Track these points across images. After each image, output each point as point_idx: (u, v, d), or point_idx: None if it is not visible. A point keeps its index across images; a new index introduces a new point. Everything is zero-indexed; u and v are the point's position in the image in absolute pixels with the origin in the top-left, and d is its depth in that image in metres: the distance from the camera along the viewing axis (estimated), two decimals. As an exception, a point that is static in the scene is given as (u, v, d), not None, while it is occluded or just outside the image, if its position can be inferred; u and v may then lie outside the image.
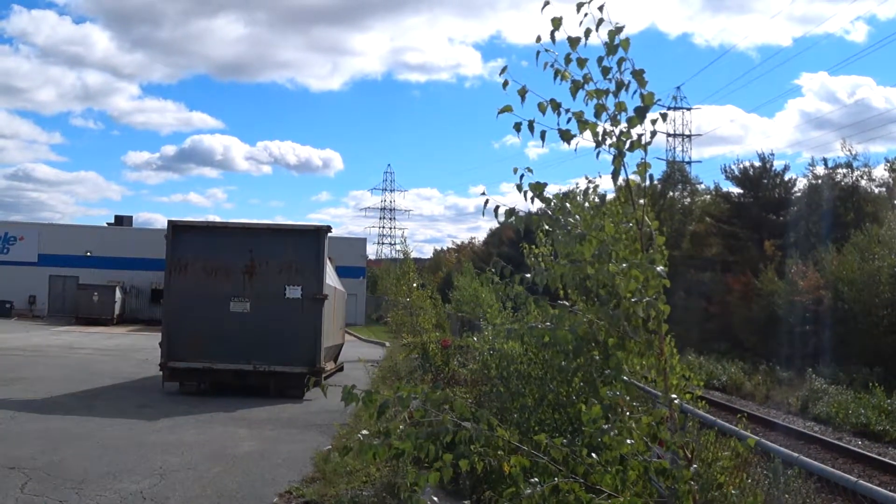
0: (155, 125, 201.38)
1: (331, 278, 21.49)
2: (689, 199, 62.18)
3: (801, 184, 53.90)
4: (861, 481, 4.23)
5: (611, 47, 4.53)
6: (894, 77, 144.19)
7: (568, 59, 4.61)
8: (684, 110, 77.52)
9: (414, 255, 39.49)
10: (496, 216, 4.80)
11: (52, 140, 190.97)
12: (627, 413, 4.90)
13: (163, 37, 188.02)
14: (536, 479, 4.42)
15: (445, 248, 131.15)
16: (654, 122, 4.71)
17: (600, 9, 4.45)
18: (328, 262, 20.68)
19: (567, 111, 4.65)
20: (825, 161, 51.92)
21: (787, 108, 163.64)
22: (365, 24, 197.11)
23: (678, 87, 78.35)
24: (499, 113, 4.60)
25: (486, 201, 4.76)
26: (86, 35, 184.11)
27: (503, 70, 4.59)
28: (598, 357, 4.93)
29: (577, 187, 7.08)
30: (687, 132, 79.02)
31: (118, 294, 48.53)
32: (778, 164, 54.87)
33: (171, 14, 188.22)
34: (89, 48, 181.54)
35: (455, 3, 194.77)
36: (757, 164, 54.41)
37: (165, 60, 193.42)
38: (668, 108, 74.98)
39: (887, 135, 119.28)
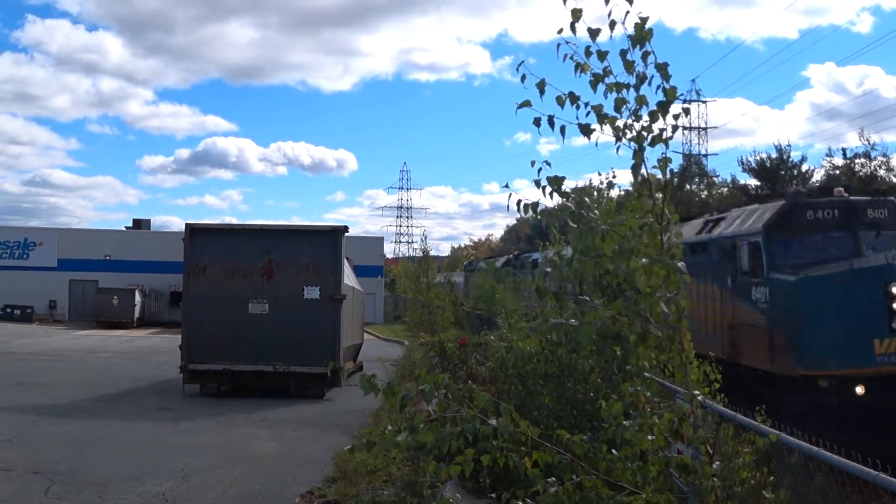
0: (169, 129, 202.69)
1: (349, 278, 21.50)
2: (706, 192, 61.92)
3: (819, 174, 53.65)
4: (882, 474, 4.17)
5: (637, 38, 4.48)
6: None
7: (588, 52, 4.57)
8: (699, 103, 77.22)
9: (431, 253, 39.42)
10: (518, 210, 4.76)
11: (69, 146, 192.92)
12: (648, 409, 4.87)
13: (175, 42, 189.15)
14: (553, 479, 4.39)
15: (462, 246, 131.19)
16: (676, 116, 4.66)
17: (629, 0, 4.40)
18: (346, 261, 20.69)
19: (586, 105, 4.61)
20: (843, 151, 51.65)
21: (797, 99, 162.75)
22: (373, 26, 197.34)
23: (693, 80, 77.59)
24: (518, 107, 4.56)
25: (510, 195, 4.73)
26: (99, 42, 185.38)
27: (520, 64, 4.55)
28: (618, 353, 4.87)
29: (591, 183, 7.01)
30: (702, 125, 78.70)
31: (137, 297, 48.68)
32: (793, 156, 54.55)
33: (183, 20, 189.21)
34: (103, 55, 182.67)
35: (462, 3, 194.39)
36: (774, 155, 54.14)
37: (179, 66, 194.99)
38: (684, 101, 74.45)
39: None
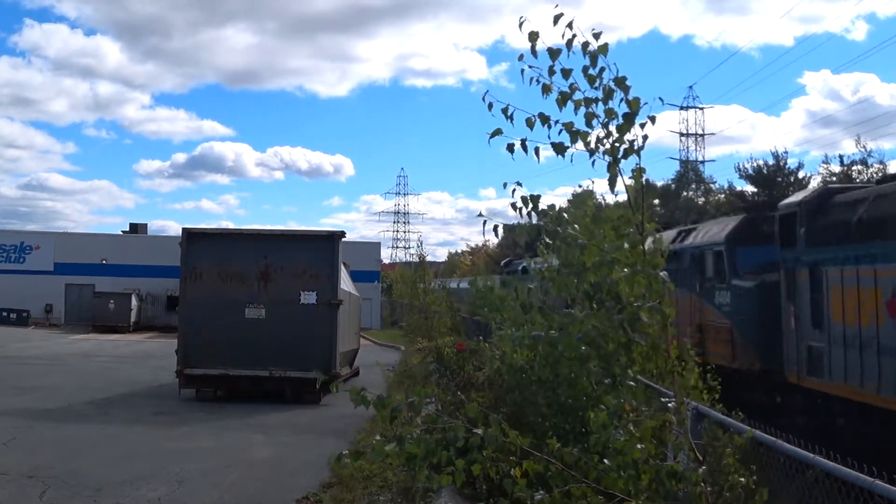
0: (166, 134, 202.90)
1: (345, 283, 21.53)
2: (703, 199, 62.01)
3: (816, 181, 53.81)
4: (878, 481, 4.18)
5: (592, 57, 4.51)
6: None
7: (552, 71, 4.58)
8: (696, 110, 77.28)
9: (428, 258, 39.37)
10: (496, 235, 4.78)
11: (66, 150, 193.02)
12: (633, 416, 4.90)
13: (173, 47, 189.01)
14: (541, 491, 4.41)
15: (459, 251, 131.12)
16: (642, 125, 4.68)
17: (569, 26, 4.42)
18: (343, 267, 20.72)
19: (556, 122, 4.61)
20: (840, 158, 51.91)
21: (793, 107, 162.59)
22: (371, 32, 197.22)
23: (690, 87, 77.69)
24: (490, 137, 4.57)
25: (484, 222, 4.73)
26: (97, 47, 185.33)
27: (486, 94, 4.56)
28: (596, 366, 4.89)
29: (565, 206, 7.00)
30: (699, 132, 78.72)
31: (134, 301, 48.63)
32: (790, 163, 54.79)
33: (181, 24, 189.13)
34: (101, 60, 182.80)
35: (459, 9, 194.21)
36: (770, 162, 54.33)
37: (176, 70, 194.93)
38: (682, 108, 74.82)
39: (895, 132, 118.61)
